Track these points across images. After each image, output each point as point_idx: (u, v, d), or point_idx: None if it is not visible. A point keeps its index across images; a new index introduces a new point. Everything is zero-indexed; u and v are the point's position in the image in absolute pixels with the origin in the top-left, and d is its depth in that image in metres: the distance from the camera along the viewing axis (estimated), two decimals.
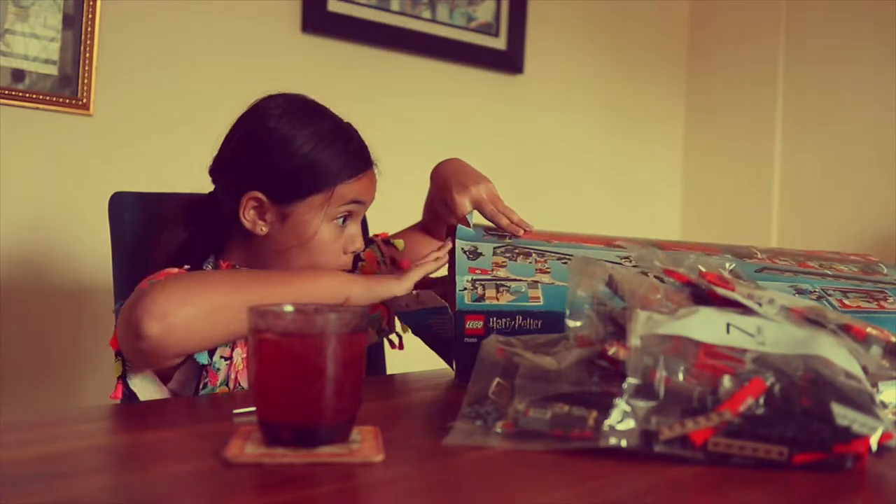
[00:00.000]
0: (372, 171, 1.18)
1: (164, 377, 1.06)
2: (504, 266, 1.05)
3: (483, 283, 1.02)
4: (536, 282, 1.01)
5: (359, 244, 1.18)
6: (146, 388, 1.05)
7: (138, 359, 1.01)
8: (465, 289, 1.01)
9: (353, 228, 1.17)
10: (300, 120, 1.14)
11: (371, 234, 1.44)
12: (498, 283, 1.02)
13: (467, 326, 0.98)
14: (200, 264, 1.16)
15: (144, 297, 0.95)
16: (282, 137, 1.11)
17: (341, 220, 1.15)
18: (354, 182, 1.14)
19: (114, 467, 0.69)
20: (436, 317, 1.09)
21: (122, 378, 1.05)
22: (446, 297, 1.09)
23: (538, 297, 0.99)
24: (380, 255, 1.36)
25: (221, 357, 1.09)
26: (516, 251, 1.09)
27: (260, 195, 1.11)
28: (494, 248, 1.09)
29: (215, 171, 1.17)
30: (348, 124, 1.19)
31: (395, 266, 1.34)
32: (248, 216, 1.12)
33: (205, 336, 0.99)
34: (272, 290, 1.03)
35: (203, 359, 1.05)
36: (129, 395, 1.04)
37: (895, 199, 2.48)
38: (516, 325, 0.98)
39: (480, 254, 1.07)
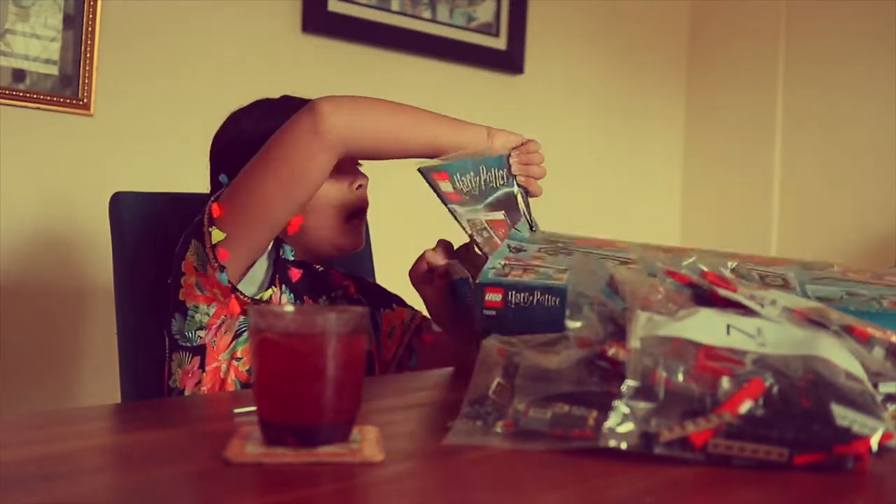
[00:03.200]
0: None
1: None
2: (541, 258, 1.06)
3: (513, 266, 1.04)
4: (566, 269, 1.01)
5: (359, 177, 1.24)
6: (238, 257, 1.09)
7: (301, 138, 1.06)
8: (494, 268, 1.02)
9: (345, 167, 1.21)
10: (246, 108, 1.24)
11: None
12: (527, 266, 1.03)
13: (486, 299, 0.99)
14: None
15: (310, 110, 1.06)
16: (230, 124, 1.22)
17: None
18: None
19: (114, 467, 0.69)
20: (466, 287, 1.12)
21: (221, 244, 1.08)
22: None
23: (562, 279, 1.00)
24: (409, 317, 1.37)
25: None
26: (560, 247, 1.08)
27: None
28: (540, 247, 1.09)
29: (213, 177, 1.24)
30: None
31: (418, 335, 1.36)
32: None
33: (368, 128, 1.09)
34: (437, 125, 1.14)
35: (288, 253, 1.13)
36: (230, 261, 1.09)
37: (895, 199, 2.48)
38: (534, 301, 0.98)
39: (523, 250, 1.08)
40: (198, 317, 1.12)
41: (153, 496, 0.59)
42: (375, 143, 1.10)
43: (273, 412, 0.68)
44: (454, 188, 1.07)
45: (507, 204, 1.15)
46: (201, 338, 1.12)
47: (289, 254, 1.15)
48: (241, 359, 1.12)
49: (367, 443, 0.69)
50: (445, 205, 1.05)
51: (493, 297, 0.99)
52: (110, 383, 1.42)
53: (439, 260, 1.12)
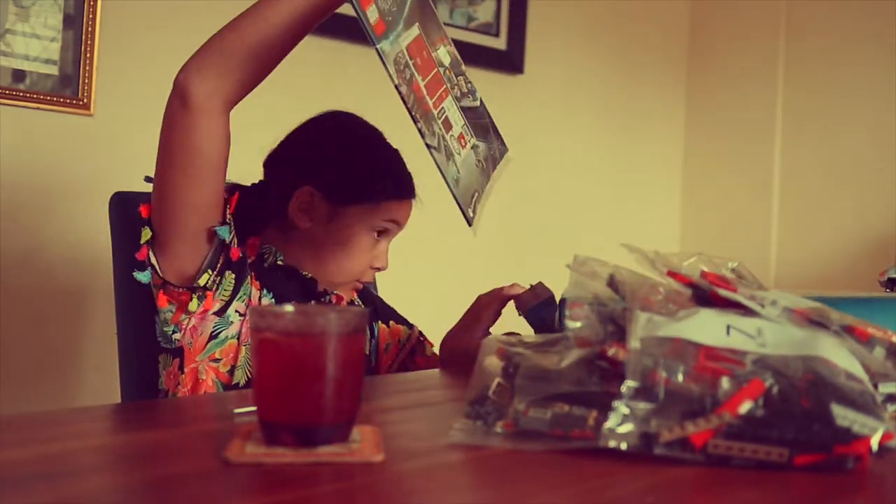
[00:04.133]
0: (412, 201, 1.27)
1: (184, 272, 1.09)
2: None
3: None
4: None
5: (384, 263, 1.26)
6: (179, 251, 1.08)
7: (176, 120, 1.06)
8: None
9: (384, 247, 1.26)
10: (364, 133, 1.27)
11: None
12: None
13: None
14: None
15: (174, 82, 1.05)
16: (347, 142, 1.22)
17: (376, 233, 1.23)
18: (399, 203, 1.22)
19: (114, 467, 0.69)
20: (548, 309, 1.17)
21: (149, 244, 1.08)
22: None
23: None
24: (405, 336, 1.38)
25: (236, 311, 1.13)
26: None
27: (314, 191, 1.19)
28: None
29: (272, 162, 1.26)
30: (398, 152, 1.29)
31: (412, 356, 1.38)
32: (296, 208, 1.19)
33: (228, 63, 1.03)
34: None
35: (224, 233, 1.08)
36: (149, 261, 1.08)
37: (895, 199, 2.48)
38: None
39: None
40: (163, 315, 1.11)
41: (153, 496, 0.59)
42: (250, 63, 1.04)
43: (273, 412, 0.68)
44: (379, 11, 0.98)
45: (421, 9, 1.09)
46: (178, 340, 1.12)
47: (226, 234, 1.10)
48: (219, 360, 1.12)
49: (367, 443, 0.69)
50: (374, 46, 0.97)
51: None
52: (110, 383, 1.42)
53: (516, 290, 1.22)
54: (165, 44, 1.88)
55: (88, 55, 1.75)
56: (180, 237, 1.07)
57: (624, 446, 0.66)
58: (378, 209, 1.21)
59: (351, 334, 0.68)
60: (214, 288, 1.10)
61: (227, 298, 1.11)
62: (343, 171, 1.21)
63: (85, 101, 1.75)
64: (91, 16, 1.75)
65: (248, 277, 1.15)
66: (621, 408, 0.67)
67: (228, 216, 1.10)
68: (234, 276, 1.11)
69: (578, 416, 0.70)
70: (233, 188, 1.19)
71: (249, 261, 1.18)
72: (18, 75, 1.68)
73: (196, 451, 0.71)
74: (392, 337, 1.36)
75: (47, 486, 0.59)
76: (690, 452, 0.66)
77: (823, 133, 2.65)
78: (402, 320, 1.39)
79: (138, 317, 1.27)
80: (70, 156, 1.76)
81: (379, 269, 1.26)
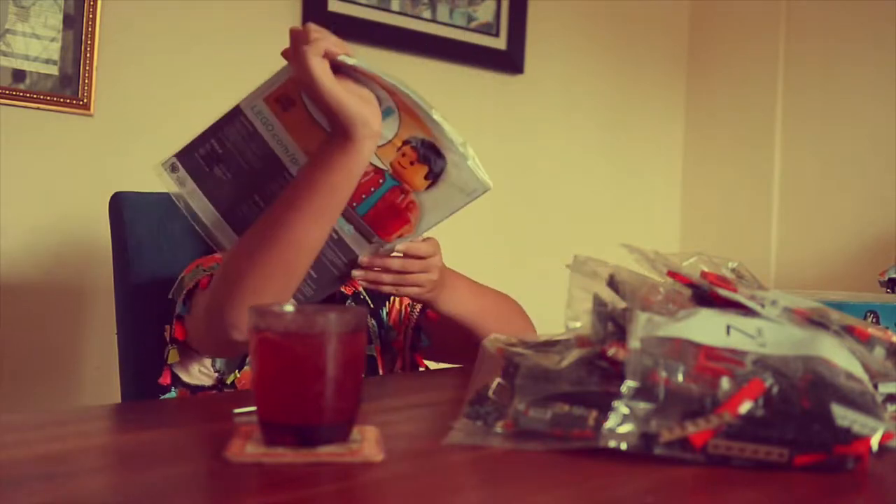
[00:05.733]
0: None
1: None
2: None
3: None
4: None
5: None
6: (194, 375, 1.13)
7: (232, 344, 0.99)
8: None
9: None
10: None
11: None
12: None
13: None
14: None
15: (210, 316, 0.97)
16: None
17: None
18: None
19: (114, 467, 0.69)
20: None
21: (172, 366, 1.13)
22: None
23: None
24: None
25: None
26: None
27: None
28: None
29: None
30: None
31: (423, 313, 1.33)
32: None
33: (272, 292, 0.94)
34: (291, 213, 0.96)
35: None
36: (176, 381, 1.13)
37: (895, 199, 2.48)
38: None
39: None
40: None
41: (153, 496, 0.59)
42: (282, 285, 0.96)
43: (273, 412, 0.68)
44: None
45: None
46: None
47: None
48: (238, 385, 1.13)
49: (367, 443, 0.69)
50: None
51: None
52: (110, 383, 1.42)
53: None
54: (166, 44, 1.88)
55: (88, 55, 1.75)
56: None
57: (624, 446, 0.66)
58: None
59: (351, 334, 0.68)
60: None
61: None
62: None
63: (85, 101, 1.75)
64: (91, 16, 1.75)
65: None
66: (621, 408, 0.67)
67: None
68: None
69: (578, 416, 0.70)
70: None
71: None
72: (18, 75, 1.68)
73: (196, 451, 0.71)
74: (401, 303, 1.33)
75: (47, 486, 0.59)
76: (690, 452, 0.66)
77: (823, 133, 2.65)
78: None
79: (138, 317, 1.27)
80: (70, 156, 1.76)
81: None
